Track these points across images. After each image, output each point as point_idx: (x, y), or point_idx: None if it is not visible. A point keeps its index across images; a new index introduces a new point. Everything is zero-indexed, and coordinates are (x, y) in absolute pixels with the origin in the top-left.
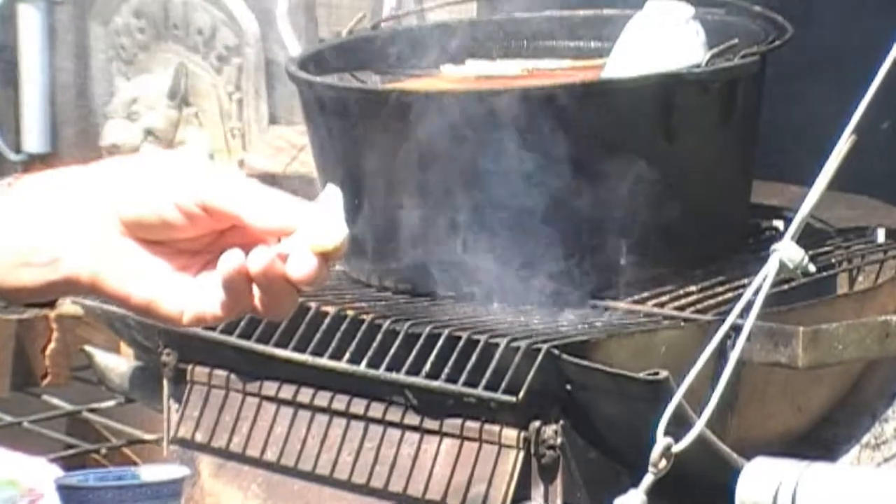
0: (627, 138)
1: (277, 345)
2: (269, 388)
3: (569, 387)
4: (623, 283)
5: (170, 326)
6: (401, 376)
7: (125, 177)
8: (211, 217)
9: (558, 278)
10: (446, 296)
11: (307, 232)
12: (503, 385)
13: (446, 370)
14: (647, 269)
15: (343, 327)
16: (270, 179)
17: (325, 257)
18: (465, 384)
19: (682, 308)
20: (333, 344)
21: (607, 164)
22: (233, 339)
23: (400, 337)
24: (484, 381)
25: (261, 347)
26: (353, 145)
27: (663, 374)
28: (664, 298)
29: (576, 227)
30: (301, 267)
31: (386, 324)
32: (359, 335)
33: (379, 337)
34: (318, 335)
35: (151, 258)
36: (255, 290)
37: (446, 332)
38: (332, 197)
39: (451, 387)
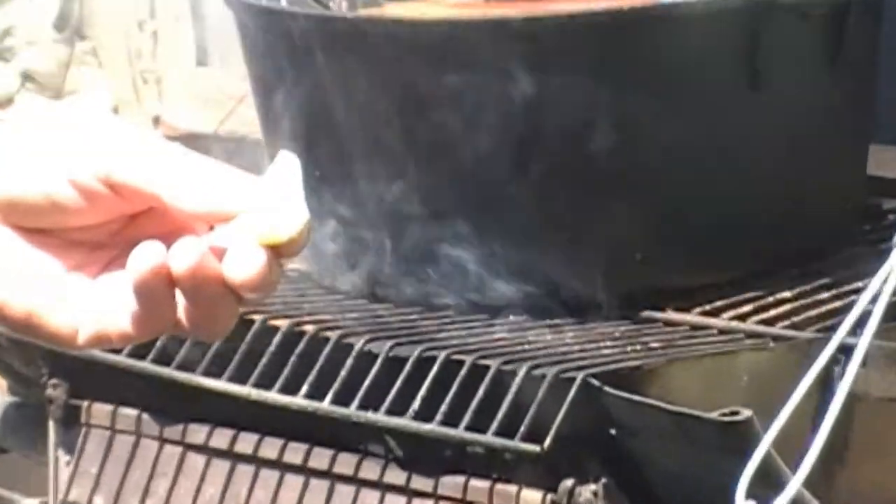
0: (697, 85)
1: (208, 373)
2: (197, 432)
3: (613, 431)
4: (688, 286)
5: (58, 348)
6: (380, 417)
7: None
8: (118, 197)
9: (597, 279)
10: (443, 305)
11: (252, 217)
12: (522, 429)
13: (443, 408)
14: (721, 266)
15: (299, 349)
16: (197, 142)
17: (277, 252)
18: (470, 428)
19: (770, 322)
20: (286, 372)
21: (668, 121)
22: (145, 366)
23: (378, 362)
24: (495, 425)
25: (184, 377)
26: (317, 96)
27: (745, 413)
28: (746, 309)
29: (622, 208)
30: (244, 265)
31: (359, 343)
32: (321, 360)
33: (349, 362)
34: (264, 360)
35: (33, 253)
36: (180, 299)
37: (443, 354)
38: (287, 167)
39: (449, 431)
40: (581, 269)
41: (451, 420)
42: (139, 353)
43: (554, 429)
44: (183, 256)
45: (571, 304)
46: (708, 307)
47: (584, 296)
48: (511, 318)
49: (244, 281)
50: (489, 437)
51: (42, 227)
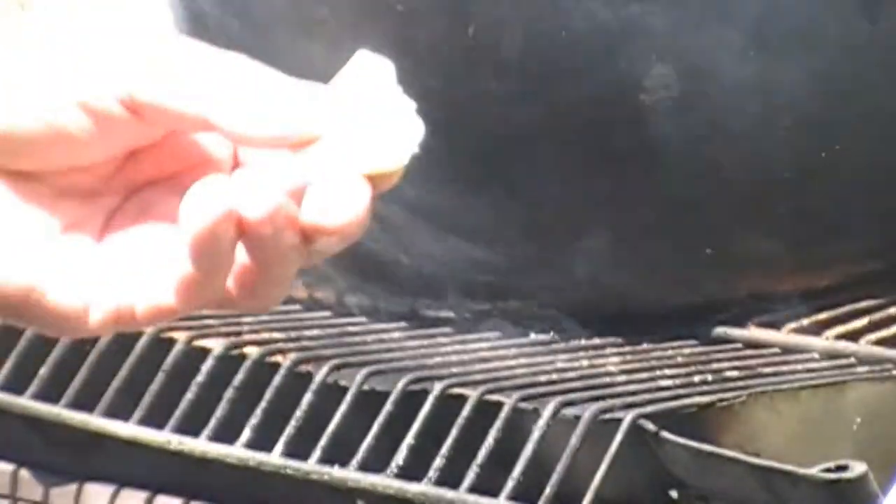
0: (801, 15)
1: (111, 413)
2: (95, 496)
3: (674, 493)
4: (777, 292)
5: (63, 334)
6: (350, 473)
7: None
8: (139, 120)
9: (650, 282)
10: (439, 319)
11: (342, 140)
12: (548, 491)
13: (437, 462)
14: (823, 265)
15: (238, 380)
16: None
17: (381, 182)
18: (474, 490)
19: (892, 342)
20: (219, 412)
21: (756, 63)
22: (25, 403)
23: (348, 397)
24: (511, 484)
25: (79, 418)
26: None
27: (858, 467)
28: (858, 324)
29: (682, 182)
30: (345, 204)
31: (321, 372)
32: (268, 394)
33: (307, 397)
34: (188, 395)
35: (23, 209)
36: (239, 258)
37: (438, 387)
38: (371, 71)
39: (446, 494)
40: (628, 268)
41: (450, 478)
42: (13, 385)
43: (592, 490)
44: (260, 198)
45: (615, 317)
46: (805, 322)
47: (632, 306)
48: (532, 335)
49: (344, 224)
50: (502, 503)
51: (33, 168)
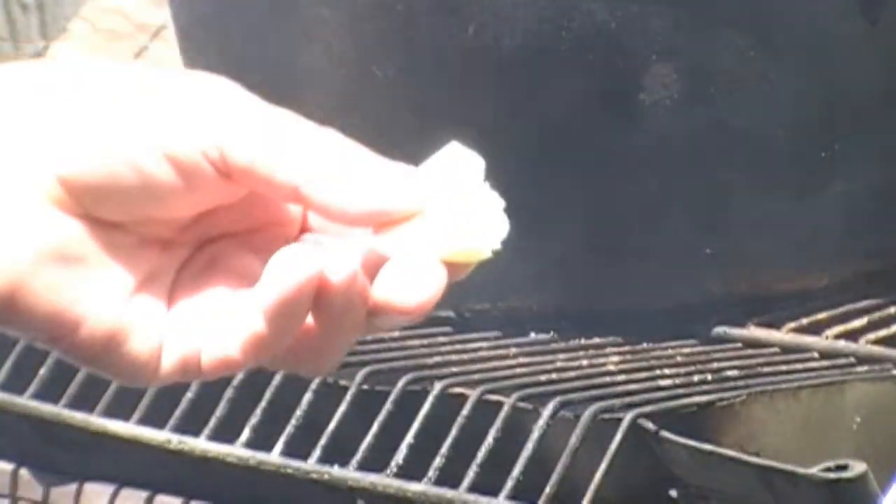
0: (801, 15)
1: (111, 413)
2: (97, 495)
3: (674, 493)
4: (777, 292)
5: (128, 382)
6: (350, 473)
7: (65, 107)
8: (226, 180)
9: (650, 281)
10: (438, 318)
11: (431, 223)
12: (548, 490)
13: (437, 462)
14: (823, 264)
15: (237, 380)
16: None
17: (456, 271)
18: (473, 489)
19: (891, 342)
20: (219, 411)
21: (756, 63)
22: (25, 402)
23: (347, 397)
24: (510, 484)
25: (79, 418)
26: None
27: (858, 466)
28: (857, 323)
29: (681, 185)
30: (421, 285)
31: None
32: (268, 394)
33: (307, 397)
34: (189, 394)
35: (110, 253)
36: (309, 320)
37: (437, 386)
38: (459, 163)
39: (446, 493)
40: (627, 268)
41: (449, 478)
42: (15, 384)
43: (592, 489)
44: (344, 263)
45: (615, 316)
46: (805, 321)
47: (631, 304)
48: (532, 335)
49: (414, 306)
50: (502, 502)
51: (121, 218)
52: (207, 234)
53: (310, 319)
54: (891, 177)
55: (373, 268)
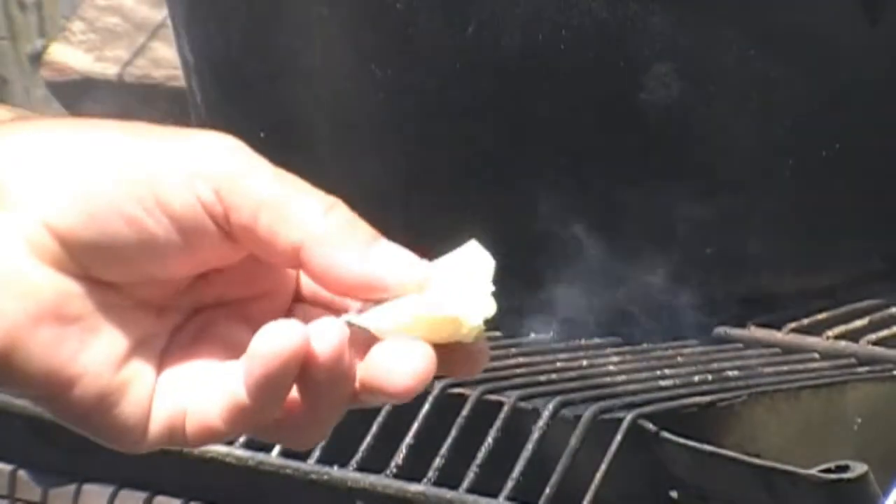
0: (801, 14)
1: None
2: (96, 496)
3: (674, 493)
4: (778, 292)
5: (114, 445)
6: (349, 473)
7: (57, 161)
8: (227, 239)
9: (649, 284)
10: None
11: (422, 300)
12: (548, 491)
13: (437, 462)
14: (824, 265)
15: None
16: (94, 89)
17: (445, 359)
18: (473, 490)
19: (892, 342)
20: None
21: (756, 63)
22: (24, 402)
23: None
24: (510, 485)
25: None
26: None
27: (859, 467)
28: (858, 324)
29: (681, 184)
30: (411, 369)
31: None
32: None
33: None
34: None
35: (105, 316)
36: (296, 394)
37: (437, 386)
38: (473, 260)
39: (445, 494)
40: (627, 268)
41: (449, 478)
42: None
43: (592, 490)
44: (327, 337)
45: (615, 317)
46: (805, 322)
47: (632, 305)
48: (532, 335)
49: (405, 388)
50: (502, 503)
51: (119, 279)
52: (201, 301)
53: (296, 393)
54: (892, 176)
55: (362, 345)
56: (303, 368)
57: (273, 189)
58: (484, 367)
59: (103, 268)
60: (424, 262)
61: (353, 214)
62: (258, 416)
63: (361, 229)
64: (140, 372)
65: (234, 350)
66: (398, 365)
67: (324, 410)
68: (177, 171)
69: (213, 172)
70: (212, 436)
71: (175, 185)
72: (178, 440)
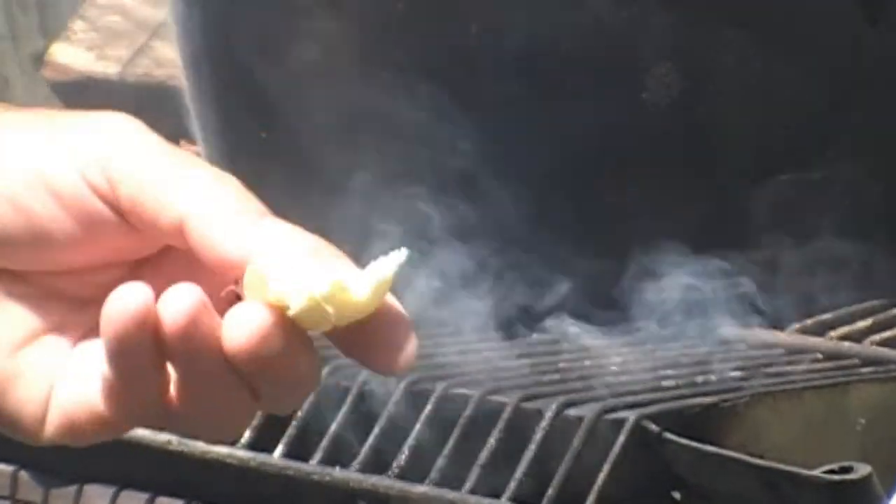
0: (801, 14)
1: None
2: (97, 497)
3: (677, 494)
4: (780, 294)
5: (13, 435)
6: (352, 474)
7: None
8: (126, 225)
9: (651, 283)
10: (440, 319)
11: (297, 273)
12: (550, 492)
13: (439, 463)
14: (827, 265)
15: None
16: (95, 88)
17: (316, 318)
18: (476, 491)
19: (895, 343)
20: None
21: (756, 63)
22: None
23: (349, 399)
24: (513, 485)
25: None
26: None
27: (862, 468)
28: (861, 325)
29: (681, 184)
30: (237, 325)
31: (323, 372)
32: None
33: (308, 398)
34: None
35: (8, 305)
36: (171, 370)
37: (439, 387)
38: (390, 259)
39: (447, 494)
40: (629, 268)
41: (451, 479)
42: None
43: (595, 491)
44: (175, 303)
45: (617, 316)
46: (809, 322)
47: (634, 305)
48: (534, 335)
49: (236, 348)
50: None
51: (18, 267)
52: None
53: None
54: (893, 176)
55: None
56: (159, 340)
57: (159, 164)
58: (405, 358)
59: (1, 257)
60: (310, 239)
61: (242, 190)
62: (131, 395)
63: (246, 206)
64: (40, 361)
65: None
66: (234, 325)
67: (208, 392)
68: (64, 153)
69: (100, 153)
70: (103, 425)
71: (62, 168)
72: (78, 434)
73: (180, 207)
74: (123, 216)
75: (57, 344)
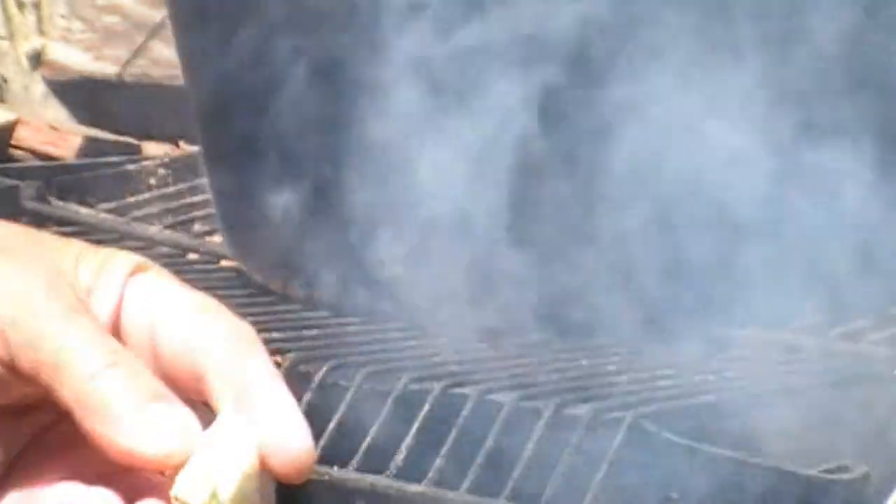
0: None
1: None
2: None
3: (675, 494)
4: (777, 293)
5: None
6: (349, 474)
7: None
8: (16, 377)
9: (650, 283)
10: (438, 319)
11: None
12: (549, 490)
13: (437, 462)
14: (826, 264)
15: None
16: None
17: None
18: (473, 490)
19: (894, 342)
20: None
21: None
22: None
23: (346, 398)
24: (511, 484)
25: None
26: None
27: (859, 468)
28: (859, 324)
29: (681, 184)
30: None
31: (321, 372)
32: None
33: (307, 397)
34: None
35: None
36: None
37: (437, 387)
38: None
39: (446, 494)
40: (627, 268)
41: (450, 479)
42: None
43: (592, 490)
44: None
45: (615, 316)
46: (806, 321)
47: (632, 305)
48: (532, 335)
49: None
50: (502, 503)
51: None
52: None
53: None
54: (892, 175)
55: None
56: None
57: (53, 342)
58: None
59: None
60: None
61: (134, 371)
62: None
63: (134, 393)
64: None
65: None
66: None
67: None
68: None
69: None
70: None
71: None
72: None
73: (67, 398)
74: (16, 373)
75: None
